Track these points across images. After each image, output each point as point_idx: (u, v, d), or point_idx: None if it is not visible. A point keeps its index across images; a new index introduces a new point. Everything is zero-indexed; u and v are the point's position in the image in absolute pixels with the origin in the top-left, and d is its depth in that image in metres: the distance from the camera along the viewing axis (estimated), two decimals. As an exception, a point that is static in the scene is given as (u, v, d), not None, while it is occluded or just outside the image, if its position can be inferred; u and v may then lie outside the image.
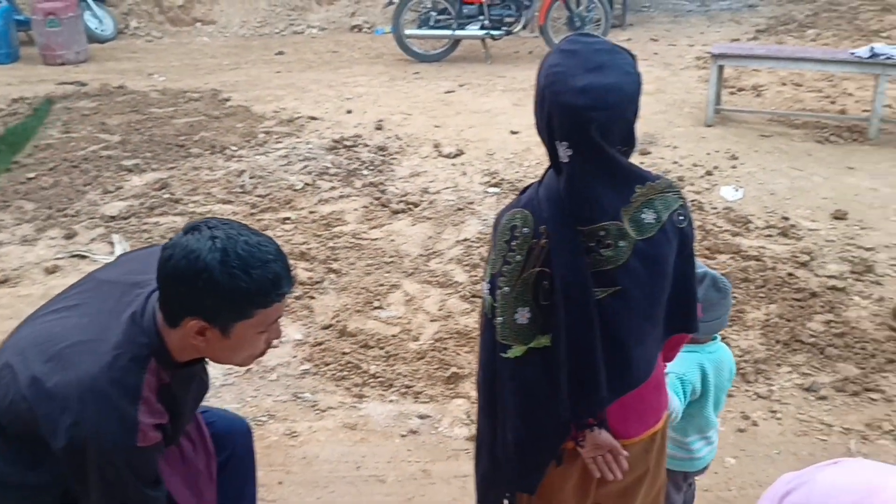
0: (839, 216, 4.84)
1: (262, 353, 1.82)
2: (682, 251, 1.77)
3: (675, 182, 1.83)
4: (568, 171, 1.69)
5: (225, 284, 1.61)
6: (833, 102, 6.93)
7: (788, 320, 3.82)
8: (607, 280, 1.69)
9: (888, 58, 5.93)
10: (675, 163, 5.74)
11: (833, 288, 4.07)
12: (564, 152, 1.67)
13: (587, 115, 1.61)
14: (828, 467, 1.12)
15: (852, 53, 6.17)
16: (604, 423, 1.79)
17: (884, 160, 5.68)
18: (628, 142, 1.70)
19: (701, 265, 2.24)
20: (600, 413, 1.78)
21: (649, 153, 5.92)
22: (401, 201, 5.22)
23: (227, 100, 7.38)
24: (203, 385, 2.01)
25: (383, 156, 5.96)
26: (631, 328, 1.74)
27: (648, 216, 1.70)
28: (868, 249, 4.46)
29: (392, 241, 4.74)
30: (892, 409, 3.25)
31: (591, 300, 1.69)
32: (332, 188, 5.42)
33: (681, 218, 1.75)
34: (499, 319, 1.75)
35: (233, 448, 2.27)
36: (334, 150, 6.03)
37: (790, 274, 4.18)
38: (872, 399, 3.30)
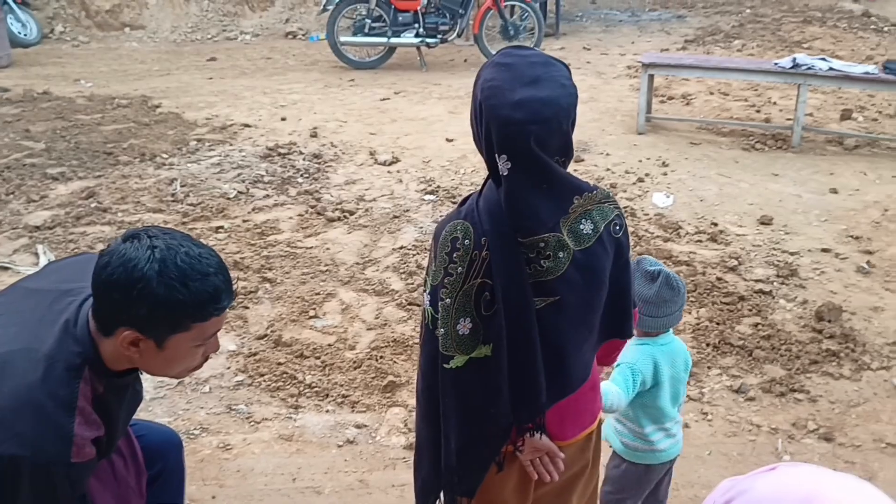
0: (765, 221, 4.99)
1: (199, 367, 1.78)
2: (618, 260, 1.80)
3: (611, 192, 1.91)
4: (507, 184, 1.69)
5: (162, 296, 1.57)
6: (758, 111, 7.15)
7: (718, 324, 3.91)
8: (546, 290, 1.72)
9: (809, 68, 6.14)
10: (608, 170, 5.83)
11: (760, 292, 4.19)
12: (504, 165, 1.68)
13: (525, 129, 1.62)
14: (766, 474, 1.14)
15: (776, 64, 6.37)
16: (542, 427, 1.82)
17: (806, 167, 5.87)
18: (566, 153, 1.72)
19: (657, 262, 2.32)
20: (539, 418, 1.81)
21: (583, 160, 6.00)
22: (336, 209, 5.18)
23: (158, 106, 7.23)
24: (137, 396, 1.96)
25: (318, 163, 5.91)
26: (568, 336, 1.78)
27: (586, 227, 1.73)
28: (792, 254, 4.61)
29: (328, 249, 4.70)
30: (817, 408, 3.35)
31: (531, 310, 1.72)
32: (267, 196, 5.35)
33: (617, 228, 1.78)
34: (441, 331, 1.76)
35: (164, 462, 2.21)
36: (268, 158, 5.96)
37: (719, 278, 4.28)
38: (798, 399, 3.40)
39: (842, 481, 1.08)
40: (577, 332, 1.79)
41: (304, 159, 5.97)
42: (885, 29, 10.39)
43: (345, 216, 5.10)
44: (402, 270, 4.46)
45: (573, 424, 1.92)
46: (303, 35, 10.35)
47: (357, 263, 4.55)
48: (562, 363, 1.79)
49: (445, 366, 1.77)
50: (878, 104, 7.28)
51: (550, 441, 1.85)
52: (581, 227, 1.72)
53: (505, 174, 1.69)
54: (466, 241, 1.72)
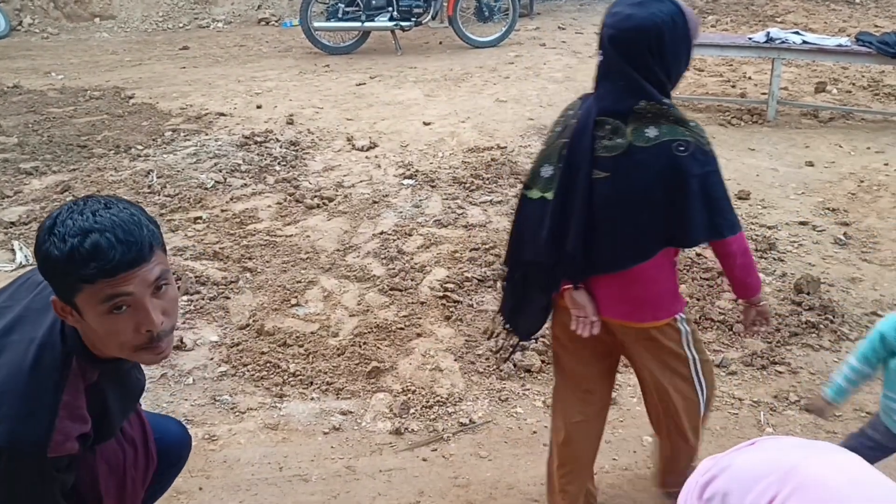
0: (743, 196, 5.02)
1: (145, 343, 1.64)
2: (674, 174, 2.03)
3: (694, 123, 2.10)
4: (595, 72, 2.17)
5: (43, 253, 1.54)
6: (733, 86, 7.18)
7: (698, 299, 3.94)
8: (601, 165, 2.07)
9: (782, 42, 6.17)
10: (586, 149, 5.84)
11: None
12: (597, 57, 2.16)
13: (606, 31, 2.09)
14: (745, 449, 1.15)
15: (750, 39, 6.40)
16: (576, 283, 2.20)
17: (781, 141, 5.91)
18: (645, 70, 2.06)
19: None
20: (575, 272, 2.18)
21: (561, 140, 6.00)
22: (315, 196, 5.15)
23: (131, 97, 7.15)
24: (138, 383, 1.94)
25: (296, 151, 5.87)
26: (615, 214, 2.10)
27: (651, 132, 2.04)
28: (770, 227, 4.64)
29: (307, 237, 4.68)
30: (797, 380, 3.39)
31: (584, 172, 2.08)
32: (245, 185, 5.31)
33: (681, 148, 2.03)
34: (531, 167, 2.27)
35: (176, 461, 2.22)
36: (245, 147, 5.92)
37: (698, 254, 4.31)
38: (779, 372, 3.43)
39: (823, 452, 1.09)
40: (623, 216, 2.09)
41: (281, 147, 5.93)
42: (857, 1, 10.44)
43: (324, 203, 5.08)
44: (382, 256, 4.45)
45: (611, 305, 2.22)
46: (276, 21, 10.25)
47: (337, 250, 4.53)
48: (605, 236, 2.11)
49: (524, 193, 2.26)
50: (852, 76, 7.33)
51: (588, 302, 2.21)
52: (646, 130, 2.04)
53: (597, 63, 2.16)
54: (569, 112, 2.22)
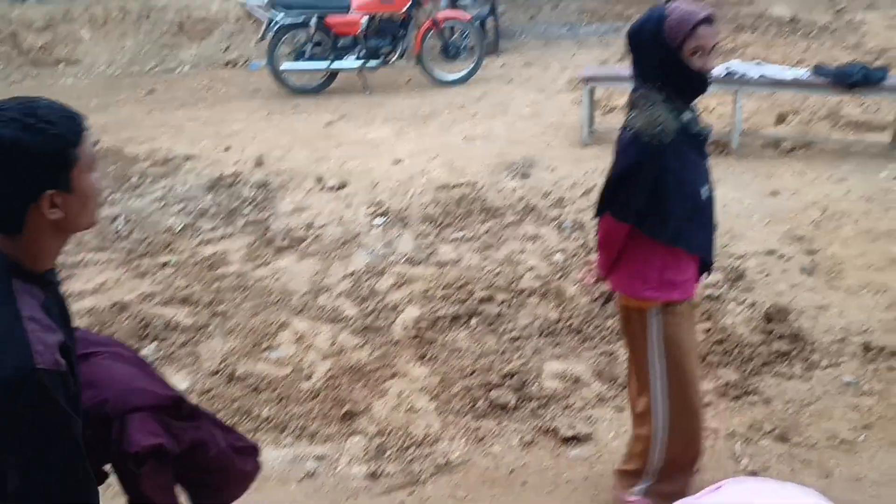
0: (710, 227, 5.07)
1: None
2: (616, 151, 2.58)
3: (652, 111, 2.41)
4: None
5: (22, 149, 1.56)
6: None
7: (671, 331, 3.95)
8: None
9: (742, 76, 6.29)
10: (556, 183, 5.88)
11: (710, 297, 4.25)
12: None
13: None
14: (711, 494, 1.14)
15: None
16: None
17: (746, 171, 6.00)
18: (639, 67, 2.50)
19: None
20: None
21: (529, 176, 6.05)
22: (286, 238, 5.13)
23: (97, 143, 7.09)
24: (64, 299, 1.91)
25: (265, 192, 5.85)
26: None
27: (630, 114, 2.51)
28: (739, 257, 4.69)
29: (278, 279, 4.65)
30: (771, 409, 3.41)
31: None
32: (214, 228, 5.28)
33: (626, 129, 2.50)
34: None
35: None
36: (214, 189, 5.89)
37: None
38: (752, 402, 3.45)
39: (789, 499, 1.09)
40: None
41: (250, 188, 5.91)
42: (813, 33, 10.71)
43: (294, 244, 5.06)
44: (354, 296, 4.43)
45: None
46: (243, 63, 10.26)
47: (309, 292, 4.51)
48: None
49: None
50: (811, 106, 7.48)
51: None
52: (631, 112, 2.47)
53: None
54: None
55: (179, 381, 3.67)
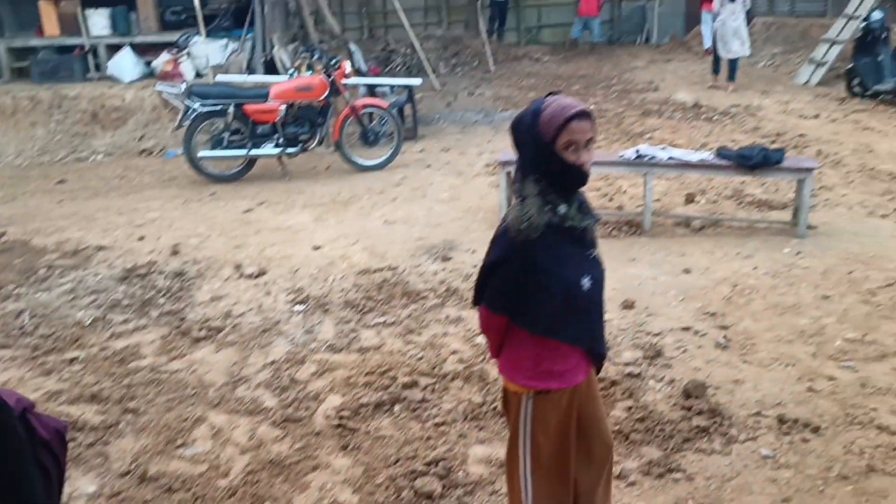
0: (628, 305, 5.18)
1: None
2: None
3: (522, 206, 2.47)
4: None
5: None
6: (611, 200, 7.53)
7: (593, 410, 3.97)
8: None
9: (651, 158, 6.55)
10: (476, 266, 5.94)
11: (630, 375, 4.30)
12: None
13: None
14: None
15: (621, 156, 6.76)
16: None
17: (659, 250, 6.18)
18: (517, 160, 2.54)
19: None
20: None
21: (450, 258, 6.09)
22: (202, 328, 5.00)
23: (2, 235, 6.85)
24: None
25: (181, 282, 5.72)
26: None
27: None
28: (656, 335, 4.79)
29: (194, 371, 4.50)
30: (694, 486, 3.42)
31: None
32: (126, 321, 5.11)
33: (502, 221, 2.56)
34: None
35: None
36: (127, 280, 5.72)
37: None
38: (676, 479, 3.46)
39: None
40: None
41: (165, 278, 5.77)
42: (715, 118, 11.29)
43: (211, 334, 4.93)
44: (274, 386, 4.32)
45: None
46: (159, 151, 10.15)
47: (227, 383, 4.38)
48: None
49: None
50: (717, 187, 7.82)
51: None
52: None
53: None
54: None
55: (86, 484, 3.47)
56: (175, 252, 6.28)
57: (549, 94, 2.49)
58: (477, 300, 2.62)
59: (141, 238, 6.66)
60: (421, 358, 4.58)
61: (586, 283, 2.49)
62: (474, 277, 5.65)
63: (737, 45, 13.28)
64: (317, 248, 6.41)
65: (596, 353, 2.63)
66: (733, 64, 13.55)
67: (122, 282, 5.70)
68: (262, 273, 5.89)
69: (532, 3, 20.53)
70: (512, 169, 6.95)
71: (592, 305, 2.57)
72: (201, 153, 8.53)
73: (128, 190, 8.53)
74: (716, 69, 13.99)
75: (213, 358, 4.65)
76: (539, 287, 2.43)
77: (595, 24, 18.92)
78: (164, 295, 5.49)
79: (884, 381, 4.18)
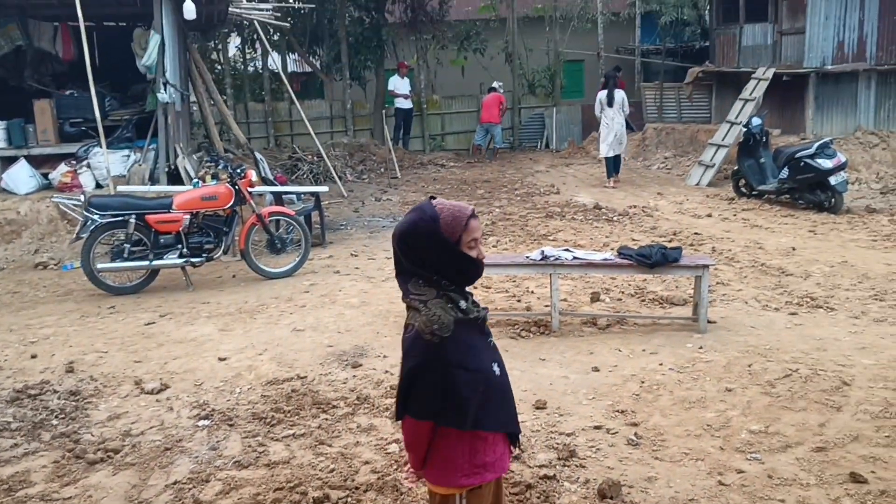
0: (540, 406, 5.18)
1: None
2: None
3: (426, 309, 2.54)
4: None
5: None
6: (519, 301, 7.63)
7: (510, 517, 3.90)
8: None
9: (556, 259, 6.72)
10: (387, 372, 5.86)
11: (545, 477, 4.26)
12: None
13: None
14: None
15: (527, 257, 6.91)
16: None
17: (568, 349, 6.26)
18: (406, 268, 2.58)
19: None
20: None
21: (361, 365, 6.00)
22: (98, 450, 4.72)
23: None
24: None
25: (76, 401, 5.43)
26: None
27: (409, 315, 2.58)
28: (569, 435, 4.79)
29: (90, 496, 4.22)
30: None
31: None
32: (14, 445, 4.78)
33: (408, 330, 2.55)
34: None
35: None
36: (16, 402, 5.39)
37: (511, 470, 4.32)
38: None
39: None
40: None
41: (58, 398, 5.46)
42: (615, 218, 11.73)
43: (109, 456, 4.65)
44: (176, 509, 4.08)
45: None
46: (55, 265, 9.78)
47: (124, 509, 4.11)
48: None
49: None
50: (620, 285, 8.06)
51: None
52: (409, 312, 2.57)
53: None
54: None
55: None
56: (70, 370, 5.98)
57: (431, 198, 2.61)
58: (399, 413, 2.61)
59: (33, 356, 6.33)
60: (332, 470, 4.43)
61: (496, 369, 2.65)
62: (386, 384, 5.59)
63: (616, 146, 14.84)
64: (222, 359, 6.22)
65: (516, 434, 2.77)
66: (616, 162, 15.10)
67: (11, 404, 5.36)
68: (163, 388, 5.65)
69: (435, 112, 21.22)
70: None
71: (506, 388, 2.71)
72: (100, 265, 8.27)
73: (20, 306, 8.15)
74: (609, 172, 15.20)
75: (111, 481, 4.38)
76: (460, 383, 2.51)
77: (497, 131, 19.65)
78: (57, 416, 5.19)
79: (789, 471, 4.28)
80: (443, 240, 2.52)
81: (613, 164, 15.04)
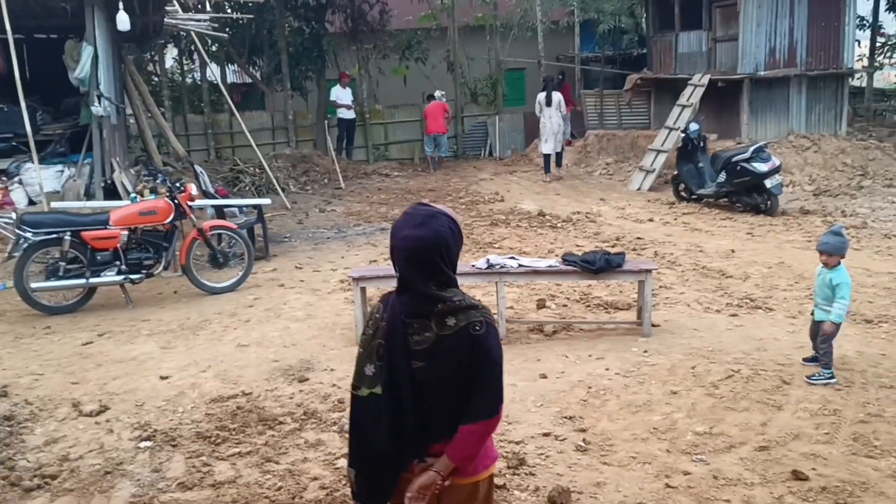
0: (488, 415, 5.16)
1: None
2: (473, 350, 2.44)
3: (480, 304, 2.54)
4: (397, 285, 2.57)
5: None
6: (465, 310, 7.62)
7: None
8: (417, 356, 2.47)
9: (502, 267, 6.73)
10: (334, 385, 5.80)
11: (496, 486, 4.25)
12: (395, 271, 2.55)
13: (399, 253, 2.49)
14: None
15: (473, 266, 6.92)
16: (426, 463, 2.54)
17: (515, 356, 6.28)
18: (438, 277, 2.48)
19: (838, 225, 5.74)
20: (422, 454, 2.54)
21: (307, 380, 5.93)
22: (34, 476, 4.55)
23: None
24: None
25: (10, 426, 5.23)
26: (435, 393, 2.49)
27: (451, 321, 2.46)
28: (518, 443, 4.79)
29: (26, 526, 4.07)
30: None
31: (404, 364, 2.48)
32: (-55, 475, 4.58)
33: (477, 327, 2.45)
34: (355, 368, 2.60)
35: None
36: (-54, 429, 5.17)
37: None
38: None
39: None
40: (439, 396, 2.49)
41: (-8, 424, 5.26)
42: (559, 225, 11.84)
43: (45, 483, 4.49)
44: (118, 535, 3.96)
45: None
46: (-12, 284, 9.45)
47: (63, 537, 3.97)
48: (435, 412, 2.50)
49: (355, 392, 2.60)
50: (566, 291, 8.12)
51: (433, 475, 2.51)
52: (447, 320, 2.46)
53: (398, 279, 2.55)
54: (376, 314, 2.60)
55: None
56: (3, 394, 5.77)
57: (420, 204, 2.59)
58: (494, 411, 2.52)
59: (-36, 380, 6.09)
60: (280, 488, 4.35)
61: None
62: (333, 398, 5.54)
63: (552, 143, 16.53)
64: (164, 378, 6.08)
65: None
66: (552, 158, 16.72)
67: (-60, 431, 5.15)
68: (103, 410, 5.49)
69: (378, 122, 21.17)
70: (366, 284, 6.96)
71: None
72: (34, 284, 8.01)
73: (-50, 328, 7.85)
74: (546, 168, 16.80)
75: (48, 509, 4.23)
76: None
77: (443, 141, 19.71)
78: (-10, 442, 5.00)
79: (733, 471, 4.35)
80: (461, 234, 2.58)
81: (557, 159, 16.82)
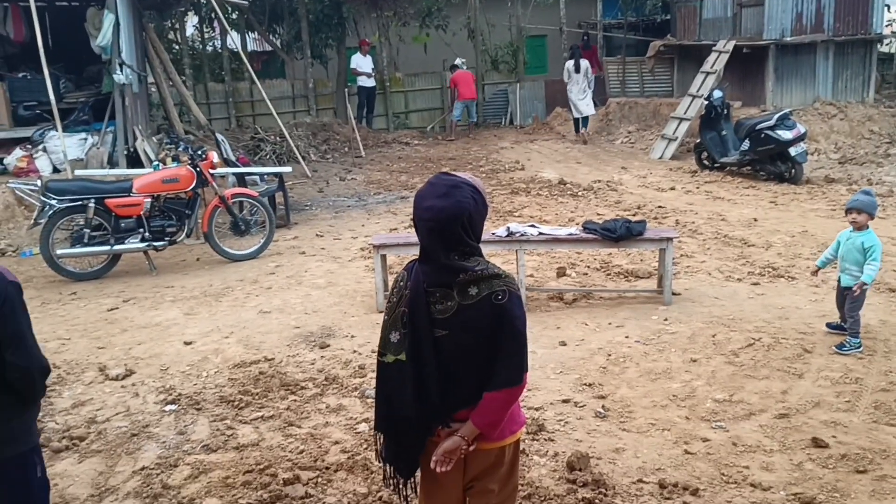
0: (508, 381, 5.20)
1: None
2: (497, 320, 2.45)
3: (506, 274, 2.54)
4: (419, 254, 2.59)
5: None
6: (485, 277, 7.64)
7: None
8: (439, 325, 2.51)
9: (522, 235, 6.73)
10: (355, 351, 5.85)
11: (514, 451, 4.29)
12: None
13: (422, 223, 2.51)
14: None
15: (493, 234, 6.91)
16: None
17: (535, 324, 6.29)
18: (460, 247, 2.50)
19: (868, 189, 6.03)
20: (446, 421, 2.59)
21: (328, 346, 5.98)
22: (63, 438, 4.66)
23: None
24: None
25: (39, 389, 5.33)
26: (458, 362, 2.52)
27: (473, 290, 2.48)
28: (537, 409, 4.82)
29: (55, 485, 4.16)
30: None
31: (427, 332, 2.51)
32: (-24, 436, 4.69)
33: (499, 297, 2.46)
34: (381, 335, 2.64)
35: None
36: (-23, 391, 5.28)
37: (475, 445, 4.34)
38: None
39: None
40: (463, 363, 2.52)
41: (21, 387, 5.36)
42: (579, 193, 11.78)
43: (74, 444, 4.60)
44: (145, 495, 4.04)
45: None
46: (13, 252, 9.58)
47: (92, 496, 4.07)
48: (460, 381, 2.54)
49: (381, 359, 2.63)
50: (586, 259, 8.11)
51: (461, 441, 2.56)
52: (469, 290, 2.48)
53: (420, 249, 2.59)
54: (400, 283, 2.61)
55: None
56: (32, 357, 5.87)
57: (444, 173, 2.58)
58: (518, 379, 2.53)
59: (-7, 345, 6.20)
60: (302, 451, 4.42)
61: None
62: (354, 363, 5.59)
63: (583, 106, 17.07)
64: (188, 343, 6.16)
65: None
66: (585, 121, 17.31)
67: (-29, 394, 5.26)
68: (129, 374, 5.59)
69: (399, 90, 21.06)
70: (387, 252, 6.99)
71: None
72: (60, 251, 8.12)
73: (-22, 294, 7.97)
74: (577, 128, 17.38)
75: (77, 469, 4.32)
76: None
77: (473, 107, 19.69)
78: (19, 405, 5.10)
79: (752, 438, 4.36)
80: (486, 203, 2.58)
81: (582, 123, 17.25)
